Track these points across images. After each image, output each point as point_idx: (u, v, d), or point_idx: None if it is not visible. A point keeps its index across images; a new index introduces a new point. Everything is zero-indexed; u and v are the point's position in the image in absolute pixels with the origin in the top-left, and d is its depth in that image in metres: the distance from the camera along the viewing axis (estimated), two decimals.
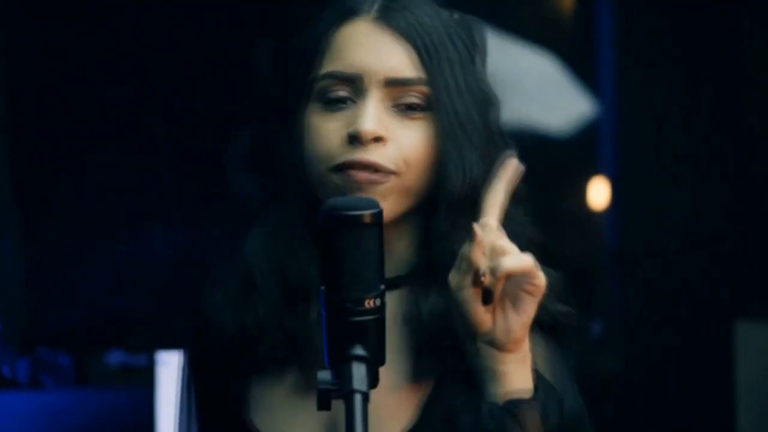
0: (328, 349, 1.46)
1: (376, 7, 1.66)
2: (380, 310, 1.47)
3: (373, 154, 1.61)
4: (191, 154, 3.90)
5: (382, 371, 1.45)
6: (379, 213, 1.47)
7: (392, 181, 1.62)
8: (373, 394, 1.42)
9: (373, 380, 1.46)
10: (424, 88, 1.64)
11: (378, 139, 1.61)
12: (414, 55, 1.64)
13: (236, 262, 1.71)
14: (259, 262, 1.68)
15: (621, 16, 4.13)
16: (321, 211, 1.48)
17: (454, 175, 1.64)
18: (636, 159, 4.11)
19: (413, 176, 1.63)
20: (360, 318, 1.46)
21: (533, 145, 4.25)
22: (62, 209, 3.86)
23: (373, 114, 1.61)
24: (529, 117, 4.28)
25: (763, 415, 3.99)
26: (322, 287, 1.47)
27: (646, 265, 4.06)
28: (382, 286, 1.47)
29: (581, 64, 4.26)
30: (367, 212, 1.47)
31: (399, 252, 1.67)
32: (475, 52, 1.68)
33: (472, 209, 1.62)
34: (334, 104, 1.64)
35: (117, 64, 3.88)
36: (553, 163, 4.27)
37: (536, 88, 4.30)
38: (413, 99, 1.64)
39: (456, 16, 1.69)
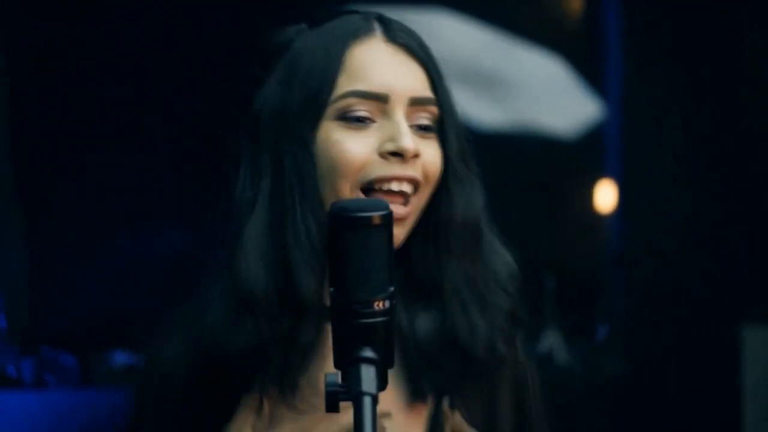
0: (336, 351, 1.46)
1: (381, 29, 1.67)
2: (389, 312, 1.46)
3: (410, 170, 1.64)
4: (193, 153, 3.89)
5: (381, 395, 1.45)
6: (389, 215, 1.47)
7: (411, 204, 1.64)
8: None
9: (382, 382, 1.45)
10: (435, 109, 1.67)
11: (415, 156, 1.64)
12: (426, 78, 1.67)
13: (223, 282, 1.67)
14: (254, 283, 1.64)
15: (627, 17, 4.11)
16: (330, 213, 1.47)
17: (459, 202, 1.67)
18: (641, 161, 4.10)
19: (427, 193, 1.67)
20: (369, 320, 1.45)
21: (539, 148, 4.24)
22: (65, 209, 3.85)
23: (407, 131, 1.63)
24: (535, 119, 4.27)
25: None
26: (331, 288, 1.47)
27: (651, 266, 4.04)
28: (392, 288, 1.47)
29: (587, 66, 4.25)
30: (376, 214, 1.46)
31: None
32: None
33: (473, 238, 1.66)
34: (354, 122, 1.64)
35: (118, 63, 3.86)
36: (559, 166, 4.26)
37: (542, 90, 4.29)
38: (426, 120, 1.66)
39: None
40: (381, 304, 1.45)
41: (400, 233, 1.63)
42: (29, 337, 3.72)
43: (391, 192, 1.63)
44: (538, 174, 4.22)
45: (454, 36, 4.18)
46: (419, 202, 1.66)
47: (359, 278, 1.45)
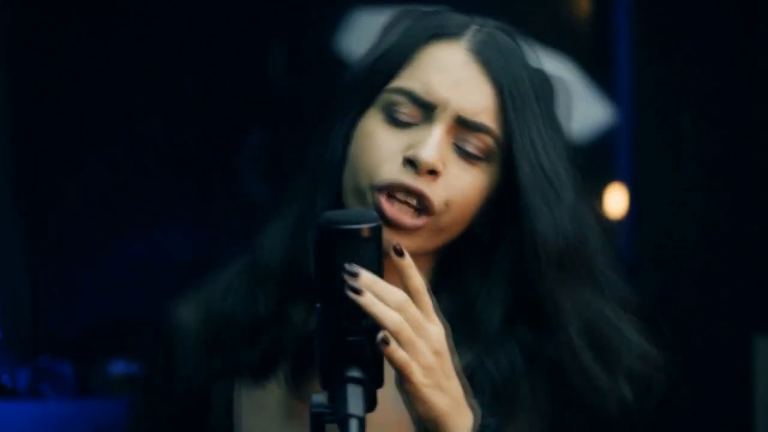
0: (322, 370, 1.40)
1: (469, 34, 1.60)
2: (378, 329, 1.40)
3: (422, 184, 1.55)
4: (198, 158, 3.87)
5: (391, 407, 1.39)
6: (378, 227, 1.42)
7: (426, 222, 1.56)
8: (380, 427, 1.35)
9: (371, 404, 1.39)
10: (489, 140, 1.58)
11: (433, 172, 1.55)
12: (496, 102, 1.58)
13: (246, 258, 1.65)
14: (269, 257, 1.62)
15: (638, 20, 4.08)
16: (317, 224, 1.41)
17: (546, 232, 1.57)
18: (653, 165, 4.07)
19: (449, 219, 1.58)
20: (356, 337, 1.40)
21: None
22: (65, 216, 3.84)
23: (436, 144, 1.55)
24: None
25: None
26: (318, 304, 1.40)
27: (661, 274, 4.00)
28: None
29: (597, 69, 4.22)
30: (365, 226, 1.41)
31: None
32: (556, 109, 1.63)
33: (571, 266, 1.59)
34: (394, 121, 1.57)
35: (119, 64, 3.84)
36: None
37: None
38: (474, 149, 1.58)
39: (535, 67, 1.64)
40: (370, 321, 1.39)
41: (410, 244, 1.53)
42: (27, 346, 3.69)
43: (398, 200, 1.56)
44: None
45: None
46: (435, 225, 1.56)
47: (346, 294, 1.39)
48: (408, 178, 1.54)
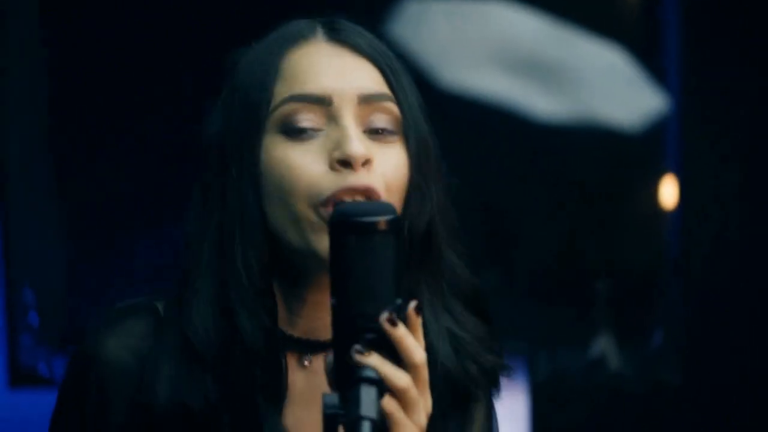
0: (337, 370, 1.34)
1: (323, 31, 1.56)
2: (395, 326, 1.35)
3: (364, 178, 1.49)
4: None
5: None
6: (396, 219, 1.36)
7: None
8: None
9: None
10: (394, 108, 1.54)
11: (367, 162, 1.50)
12: (379, 74, 1.54)
13: (171, 328, 1.54)
14: (203, 339, 1.51)
15: (688, 8, 4.04)
16: (330, 218, 1.36)
17: (418, 206, 1.54)
18: (703, 156, 4.03)
19: (393, 202, 1.52)
20: (372, 335, 1.34)
21: (597, 142, 4.16)
22: (104, 206, 3.84)
23: (356, 134, 1.50)
24: (593, 111, 4.20)
25: None
26: (333, 299, 1.35)
27: (712, 269, 3.95)
28: (399, 301, 1.37)
29: (648, 56, 4.18)
30: (381, 218, 1.36)
31: None
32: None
33: (429, 245, 1.54)
34: (297, 135, 1.50)
35: (122, 63, 3.82)
36: (618, 160, 4.20)
37: (602, 82, 4.22)
38: (382, 122, 1.53)
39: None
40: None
41: None
42: (64, 335, 3.69)
43: None
44: (594, 169, 4.15)
45: (512, 26, 4.11)
46: None
47: (362, 290, 1.35)
48: (351, 179, 1.49)
